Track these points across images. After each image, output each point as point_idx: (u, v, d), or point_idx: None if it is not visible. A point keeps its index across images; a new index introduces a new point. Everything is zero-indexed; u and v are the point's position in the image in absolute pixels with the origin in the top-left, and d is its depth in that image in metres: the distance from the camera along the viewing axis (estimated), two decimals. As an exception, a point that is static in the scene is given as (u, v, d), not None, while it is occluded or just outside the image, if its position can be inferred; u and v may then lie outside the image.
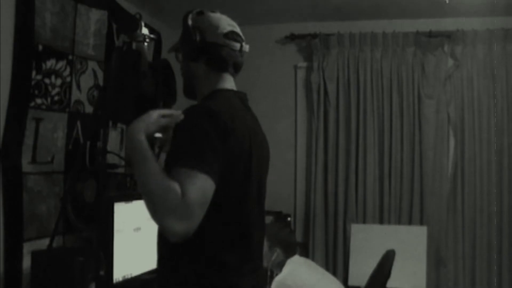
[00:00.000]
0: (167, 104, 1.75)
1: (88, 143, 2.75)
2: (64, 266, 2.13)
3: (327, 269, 3.32)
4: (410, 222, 3.52)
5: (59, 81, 2.54)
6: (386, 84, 3.60)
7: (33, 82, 2.36)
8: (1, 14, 2.17)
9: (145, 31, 1.85)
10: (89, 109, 2.76)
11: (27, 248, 2.28)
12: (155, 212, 1.24)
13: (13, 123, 2.24)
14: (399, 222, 3.54)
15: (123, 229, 2.31)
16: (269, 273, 2.65)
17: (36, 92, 2.38)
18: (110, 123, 2.44)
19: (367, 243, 3.37)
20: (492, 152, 3.46)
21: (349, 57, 3.65)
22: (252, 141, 1.42)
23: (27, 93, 2.33)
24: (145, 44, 1.84)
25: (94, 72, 2.83)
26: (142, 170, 1.28)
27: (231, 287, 1.37)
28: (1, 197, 2.18)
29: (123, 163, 2.89)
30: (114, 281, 2.25)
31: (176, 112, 1.39)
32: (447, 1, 3.04)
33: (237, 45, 1.49)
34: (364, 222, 3.56)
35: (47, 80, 2.45)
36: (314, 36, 3.70)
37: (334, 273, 3.42)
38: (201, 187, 1.23)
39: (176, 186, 1.20)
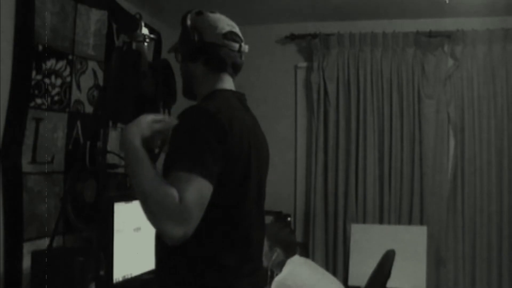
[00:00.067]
0: (167, 104, 1.75)
1: (88, 143, 2.75)
2: (64, 266, 2.13)
3: (327, 269, 3.32)
4: (410, 222, 3.52)
5: (59, 81, 2.54)
6: (386, 84, 3.60)
7: (33, 82, 2.35)
8: (1, 14, 2.17)
9: (145, 31, 1.85)
10: (89, 109, 2.76)
11: (27, 248, 2.28)
12: (152, 216, 1.24)
13: (13, 123, 2.24)
14: (399, 222, 3.54)
15: (123, 229, 2.31)
16: (269, 273, 2.65)
17: (36, 92, 2.38)
18: (110, 123, 2.43)
19: (367, 243, 3.37)
20: (492, 152, 3.46)
21: (349, 57, 3.65)
22: (251, 142, 1.42)
23: (27, 93, 2.33)
24: (145, 44, 1.84)
25: (94, 72, 2.83)
26: (138, 175, 1.27)
27: (230, 288, 1.38)
28: (1, 197, 2.18)
29: (123, 163, 2.88)
30: (114, 281, 2.25)
31: (168, 118, 1.40)
32: (447, 1, 3.04)
33: (236, 46, 1.49)
34: (364, 222, 3.56)
35: (47, 80, 2.45)
36: (314, 36, 3.70)
37: (334, 273, 3.42)
38: (198, 191, 1.23)
39: (173, 191, 1.20)
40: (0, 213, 2.17)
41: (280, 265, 2.54)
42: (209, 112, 1.33)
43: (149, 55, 1.87)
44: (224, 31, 1.47)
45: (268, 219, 3.25)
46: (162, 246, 1.37)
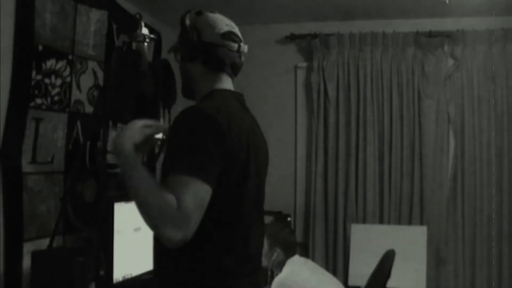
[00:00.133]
0: (167, 104, 1.75)
1: (88, 143, 2.75)
2: (64, 266, 2.13)
3: (327, 269, 3.32)
4: (410, 222, 3.52)
5: (59, 81, 2.54)
6: (386, 84, 3.60)
7: (33, 82, 2.35)
8: (1, 14, 2.17)
9: (145, 31, 1.85)
10: (89, 109, 2.76)
11: (27, 248, 2.28)
12: (149, 221, 1.25)
13: (13, 123, 2.24)
14: (399, 222, 3.54)
15: (123, 229, 2.31)
16: (269, 273, 2.65)
17: (36, 92, 2.38)
18: (110, 123, 2.43)
19: (367, 243, 3.37)
20: (492, 152, 3.46)
21: (349, 57, 3.65)
22: (249, 142, 1.41)
23: (27, 93, 2.33)
24: (145, 44, 1.84)
25: (94, 72, 2.83)
26: (133, 182, 1.27)
27: (230, 288, 1.37)
28: (1, 197, 2.18)
29: (160, 136, 2.88)
30: (114, 281, 2.25)
31: (158, 122, 1.40)
32: (447, 1, 3.04)
33: (235, 46, 1.48)
34: (364, 222, 3.56)
35: (47, 80, 2.45)
36: (314, 36, 3.70)
37: (334, 273, 3.42)
38: (197, 194, 1.22)
39: (170, 197, 1.20)
40: (0, 213, 2.17)
41: (280, 265, 2.54)
42: (207, 113, 1.32)
43: (149, 55, 1.87)
44: (222, 31, 1.46)
45: (268, 219, 3.25)
46: (161, 247, 1.37)
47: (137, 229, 2.42)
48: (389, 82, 3.60)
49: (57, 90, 2.53)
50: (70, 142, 2.61)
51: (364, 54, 3.63)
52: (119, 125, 2.99)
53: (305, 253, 3.49)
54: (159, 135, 1.47)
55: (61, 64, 2.55)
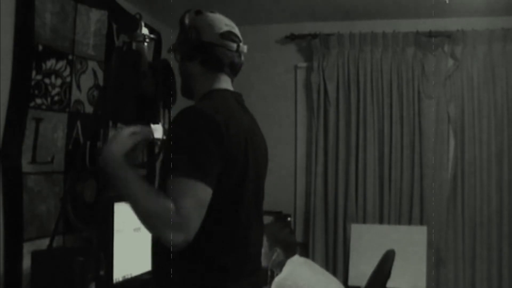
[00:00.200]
0: (167, 104, 1.75)
1: (88, 143, 2.75)
2: (64, 266, 2.13)
3: (327, 269, 3.32)
4: (410, 222, 3.52)
5: (59, 81, 2.54)
6: (386, 84, 3.60)
7: (33, 82, 2.35)
8: (1, 14, 2.17)
9: (145, 31, 1.85)
10: (89, 109, 2.76)
11: (27, 248, 2.28)
12: (151, 228, 1.26)
13: (13, 123, 2.24)
14: (399, 222, 3.54)
15: (123, 229, 2.31)
16: (269, 273, 2.65)
17: (36, 92, 2.38)
18: (110, 123, 2.44)
19: (367, 243, 3.37)
20: (492, 152, 3.46)
21: (349, 57, 3.65)
22: (248, 142, 1.41)
23: (27, 93, 2.33)
24: (145, 44, 1.84)
25: (94, 72, 2.83)
26: (129, 191, 1.28)
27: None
28: (1, 197, 2.18)
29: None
30: (114, 281, 2.25)
31: (144, 128, 1.41)
32: (447, 1, 3.04)
33: (234, 45, 1.48)
34: (364, 222, 3.56)
35: (47, 80, 2.45)
36: (314, 36, 3.70)
37: (334, 273, 3.42)
38: (197, 195, 1.23)
39: (167, 201, 1.20)
40: (0, 213, 2.17)
41: (280, 265, 2.54)
42: (206, 112, 1.32)
43: (149, 55, 1.86)
44: (221, 30, 1.46)
45: (268, 219, 3.25)
46: (160, 247, 1.37)
47: (137, 229, 2.42)
48: (389, 82, 3.60)
49: (57, 90, 2.53)
50: (70, 142, 2.62)
51: (364, 54, 3.63)
52: (119, 125, 3.00)
53: (305, 253, 3.49)
54: (159, 136, 1.47)
55: (61, 64, 2.55)
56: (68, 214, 2.55)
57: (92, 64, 2.81)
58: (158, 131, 1.86)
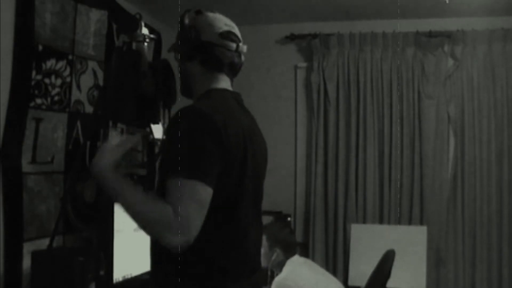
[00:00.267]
0: (167, 104, 1.75)
1: (88, 143, 2.75)
2: (64, 266, 2.13)
3: (327, 269, 3.32)
4: (410, 222, 3.52)
5: (59, 81, 2.54)
6: (386, 84, 3.60)
7: (33, 82, 2.35)
8: (1, 14, 2.17)
9: (145, 31, 1.85)
10: (89, 109, 2.77)
11: (27, 248, 2.28)
12: (151, 233, 1.27)
13: (13, 123, 2.24)
14: (399, 222, 3.54)
15: (123, 229, 2.31)
16: (269, 273, 2.65)
17: (36, 92, 2.38)
18: (110, 123, 2.44)
19: (367, 243, 3.37)
20: (492, 152, 3.46)
21: (349, 57, 3.65)
22: (247, 142, 1.40)
23: (27, 93, 2.33)
24: (145, 44, 1.84)
25: (94, 72, 2.83)
26: (125, 201, 1.29)
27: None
28: (1, 197, 2.18)
29: (123, 163, 2.88)
30: (114, 281, 2.25)
31: (129, 137, 1.41)
32: (447, 1, 3.04)
33: (233, 45, 1.47)
34: (364, 222, 3.56)
35: (47, 80, 2.45)
36: (314, 36, 3.70)
37: (334, 273, 3.42)
38: (196, 196, 1.23)
39: (164, 204, 1.21)
40: (0, 213, 2.17)
41: (280, 265, 2.54)
42: (204, 112, 1.32)
43: (149, 55, 1.86)
44: (221, 30, 1.46)
45: (268, 219, 3.25)
46: (159, 247, 1.36)
47: (137, 229, 2.41)
48: (389, 82, 3.60)
49: (57, 90, 2.53)
50: (70, 142, 2.62)
51: (364, 54, 3.63)
52: (119, 125, 3.01)
53: (305, 253, 3.49)
54: (159, 136, 1.47)
55: (61, 64, 2.55)
56: (68, 214, 2.55)
57: (92, 64, 2.81)
58: (158, 131, 1.86)
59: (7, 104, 2.22)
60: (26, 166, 2.33)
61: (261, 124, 1.60)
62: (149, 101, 1.73)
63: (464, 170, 3.49)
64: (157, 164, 1.38)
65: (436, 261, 3.45)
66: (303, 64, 3.83)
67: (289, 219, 3.56)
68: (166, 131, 1.37)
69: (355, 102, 3.63)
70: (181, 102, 1.64)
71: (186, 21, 1.48)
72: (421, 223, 3.48)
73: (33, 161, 2.37)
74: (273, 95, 3.84)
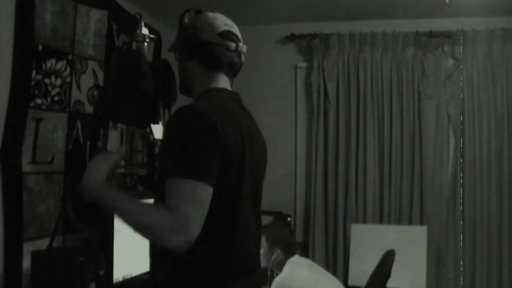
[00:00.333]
0: (167, 104, 1.75)
1: (88, 143, 2.75)
2: (64, 266, 2.13)
3: (327, 269, 3.32)
4: (410, 222, 3.52)
5: (59, 81, 2.54)
6: (386, 84, 3.60)
7: (33, 82, 2.35)
8: (1, 14, 2.17)
9: (145, 31, 1.85)
10: (89, 109, 2.76)
11: (27, 248, 2.28)
12: (152, 239, 1.28)
13: (13, 123, 2.24)
14: (399, 222, 3.54)
15: (123, 229, 2.30)
16: (269, 273, 2.65)
17: (36, 92, 2.38)
18: (110, 123, 2.44)
19: (367, 243, 3.37)
20: (492, 152, 3.46)
21: (349, 57, 3.65)
22: (245, 141, 1.40)
23: (27, 93, 2.33)
24: (145, 44, 1.84)
25: (94, 72, 2.83)
26: (121, 211, 1.29)
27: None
28: (1, 197, 2.18)
29: (123, 163, 2.89)
30: (114, 281, 2.25)
31: (113, 151, 1.42)
32: (447, 1, 3.04)
33: (232, 45, 1.47)
34: (364, 222, 3.56)
35: (47, 80, 2.45)
36: (314, 36, 3.70)
37: (334, 273, 3.42)
38: (197, 196, 1.22)
39: (160, 208, 1.21)
40: (0, 213, 2.17)
41: (280, 265, 2.54)
42: (202, 111, 1.31)
43: (149, 55, 1.87)
44: (220, 30, 1.46)
45: (268, 219, 3.25)
46: (159, 247, 1.36)
47: (137, 229, 2.42)
48: (389, 82, 3.60)
49: (57, 90, 2.53)
50: (70, 142, 2.61)
51: (364, 54, 3.63)
52: (119, 125, 3.01)
53: (305, 253, 3.49)
54: (159, 136, 1.47)
55: (61, 64, 2.55)
56: (68, 214, 2.55)
57: (92, 64, 2.81)
58: (158, 131, 1.87)
59: (7, 104, 2.22)
60: (26, 166, 2.33)
61: (261, 124, 1.60)
62: (149, 101, 1.73)
63: (464, 170, 3.49)
64: (157, 164, 1.38)
65: (436, 261, 3.45)
66: (303, 64, 3.83)
67: (289, 219, 3.56)
68: (164, 131, 1.36)
69: (355, 102, 3.63)
70: (181, 102, 1.64)
71: (186, 20, 1.49)
72: (421, 223, 3.48)
73: (33, 161, 2.37)
74: (273, 95, 3.84)
